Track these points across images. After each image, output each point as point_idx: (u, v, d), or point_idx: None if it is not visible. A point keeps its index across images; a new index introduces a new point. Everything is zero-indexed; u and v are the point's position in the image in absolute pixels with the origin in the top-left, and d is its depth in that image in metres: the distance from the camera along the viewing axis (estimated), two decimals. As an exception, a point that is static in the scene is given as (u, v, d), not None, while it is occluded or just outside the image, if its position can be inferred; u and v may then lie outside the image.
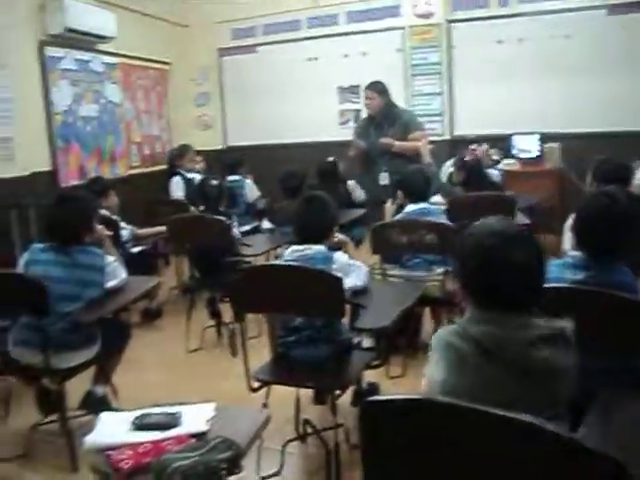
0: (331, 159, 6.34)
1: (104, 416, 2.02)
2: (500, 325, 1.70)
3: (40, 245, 3.42)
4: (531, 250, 1.75)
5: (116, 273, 3.49)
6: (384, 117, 5.85)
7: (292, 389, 3.16)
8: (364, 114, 6.83)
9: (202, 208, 5.12)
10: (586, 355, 1.98)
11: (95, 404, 3.47)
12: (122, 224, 5.30)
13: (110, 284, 3.41)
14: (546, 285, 2.12)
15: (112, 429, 1.92)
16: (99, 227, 3.69)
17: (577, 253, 2.49)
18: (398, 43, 8.12)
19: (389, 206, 4.55)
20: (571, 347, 1.72)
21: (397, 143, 5.69)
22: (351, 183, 6.14)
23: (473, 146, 6.32)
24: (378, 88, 5.90)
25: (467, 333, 1.74)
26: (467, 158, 5.78)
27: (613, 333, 2.25)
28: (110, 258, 3.48)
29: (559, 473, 1.33)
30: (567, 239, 2.82)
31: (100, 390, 3.56)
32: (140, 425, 1.90)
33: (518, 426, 1.37)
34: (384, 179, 5.72)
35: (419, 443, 1.50)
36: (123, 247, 5.20)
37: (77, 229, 3.39)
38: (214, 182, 5.21)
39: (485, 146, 6.11)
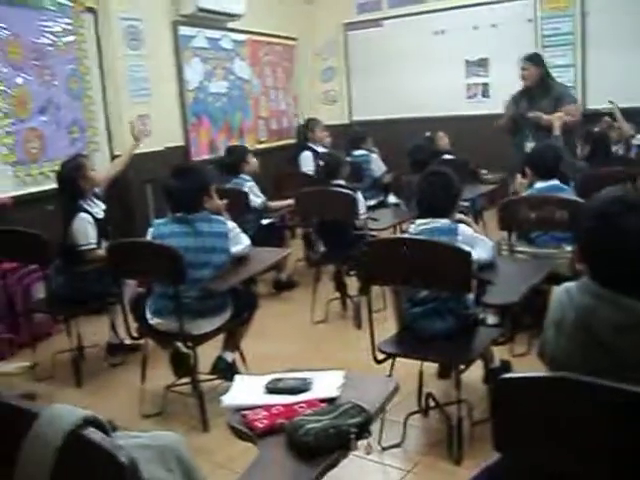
0: (428, 134, 6.30)
1: (239, 379, 2.12)
2: (599, 301, 1.68)
3: (161, 220, 3.56)
4: None
5: (239, 239, 3.59)
6: (538, 88, 5.80)
7: (415, 362, 3.17)
8: (493, 88, 6.72)
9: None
10: None
11: (224, 369, 3.63)
12: (257, 191, 5.53)
13: (235, 249, 3.52)
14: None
15: (247, 391, 2.01)
16: (217, 199, 3.76)
17: None
18: (529, 13, 7.86)
19: (520, 180, 4.44)
20: None
21: (545, 117, 5.58)
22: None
23: (607, 118, 6.09)
24: (534, 59, 5.89)
25: (573, 298, 1.75)
26: (596, 129, 5.56)
27: None
28: (232, 224, 3.58)
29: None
30: None
31: (229, 356, 3.71)
32: (273, 388, 1.98)
33: None
34: (528, 148, 5.60)
35: (551, 419, 1.49)
36: (259, 214, 5.44)
37: (195, 198, 3.48)
38: (323, 157, 5.30)
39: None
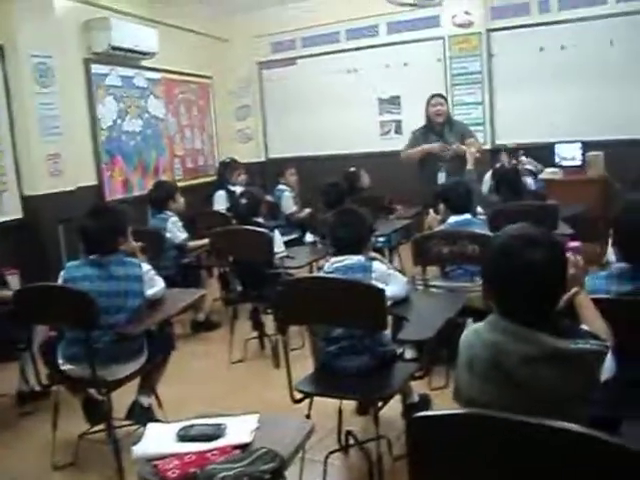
0: (352, 169, 6.41)
1: (151, 427, 2.06)
2: (507, 336, 1.72)
3: (74, 262, 3.46)
4: (549, 255, 1.73)
5: (154, 281, 3.51)
6: (444, 124, 6.11)
7: (335, 400, 3.16)
8: (406, 124, 6.88)
9: (234, 221, 5.21)
10: (630, 366, 1.98)
11: (140, 414, 3.51)
12: (180, 227, 5.48)
13: (150, 292, 3.44)
14: (592, 297, 2.12)
15: (159, 439, 1.96)
16: (132, 241, 3.68)
17: (623, 264, 2.45)
18: (438, 53, 8.13)
19: (432, 216, 4.54)
20: (586, 371, 1.70)
21: (463, 147, 5.96)
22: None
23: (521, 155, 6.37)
24: (444, 97, 6.33)
25: (482, 337, 1.78)
26: (497, 165, 5.79)
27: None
28: (147, 266, 3.49)
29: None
30: (612, 250, 2.79)
31: (145, 401, 3.60)
32: (185, 436, 1.93)
33: (568, 435, 1.39)
34: (441, 178, 5.87)
35: (467, 456, 1.51)
36: (181, 252, 5.43)
37: (110, 240, 3.39)
38: (246, 195, 5.29)
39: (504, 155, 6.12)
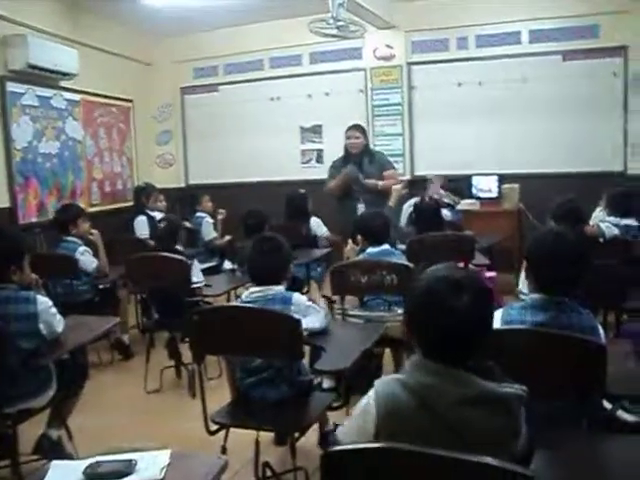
0: (302, 191, 6.43)
1: (55, 465, 1.96)
2: (438, 378, 1.70)
3: None
4: (475, 298, 1.74)
5: (54, 319, 3.16)
6: (363, 155, 6.21)
7: (252, 431, 3.12)
8: (327, 153, 6.93)
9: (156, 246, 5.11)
10: (542, 397, 2.02)
11: (49, 448, 3.36)
12: (89, 256, 5.26)
13: (49, 331, 3.13)
14: (508, 327, 2.16)
15: (63, 479, 1.87)
16: (29, 272, 3.33)
17: (536, 295, 2.51)
18: (360, 84, 8.25)
19: (351, 246, 4.56)
20: (512, 414, 1.70)
21: (380, 183, 6.06)
22: (314, 220, 6.23)
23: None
24: (361, 129, 6.36)
25: (408, 383, 1.74)
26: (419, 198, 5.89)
27: (573, 375, 2.28)
28: (43, 301, 3.12)
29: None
30: (524, 281, 2.86)
31: (55, 434, 3.45)
32: (92, 474, 1.84)
33: (486, 469, 1.41)
34: (360, 209, 5.91)
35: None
36: (94, 278, 5.27)
37: (2, 267, 3.06)
38: (164, 221, 5.20)
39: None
